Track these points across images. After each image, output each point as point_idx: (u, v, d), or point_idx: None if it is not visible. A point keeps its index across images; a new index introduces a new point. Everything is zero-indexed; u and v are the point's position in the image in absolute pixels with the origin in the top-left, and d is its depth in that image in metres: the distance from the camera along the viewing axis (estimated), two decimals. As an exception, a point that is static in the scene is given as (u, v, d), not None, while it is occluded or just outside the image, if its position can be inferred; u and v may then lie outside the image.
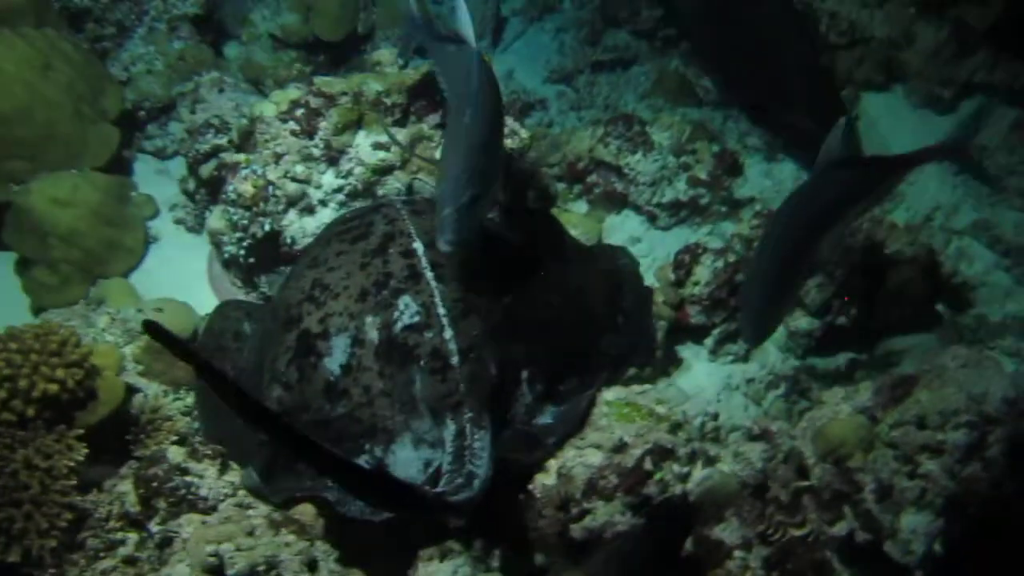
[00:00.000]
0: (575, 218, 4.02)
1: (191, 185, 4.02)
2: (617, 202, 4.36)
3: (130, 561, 2.56)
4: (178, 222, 4.11)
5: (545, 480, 2.82)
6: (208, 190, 3.88)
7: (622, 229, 4.35)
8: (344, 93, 3.69)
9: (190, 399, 3.35)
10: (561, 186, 4.46)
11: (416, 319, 2.72)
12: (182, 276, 3.91)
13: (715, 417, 3.16)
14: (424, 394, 2.67)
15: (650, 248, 4.27)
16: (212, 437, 3.02)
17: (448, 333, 2.71)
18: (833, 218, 3.06)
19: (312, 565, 2.39)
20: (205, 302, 3.78)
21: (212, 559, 2.22)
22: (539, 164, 4.40)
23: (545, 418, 2.92)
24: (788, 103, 4.50)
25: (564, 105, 5.25)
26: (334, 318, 2.80)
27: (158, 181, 4.25)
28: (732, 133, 5.00)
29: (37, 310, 3.76)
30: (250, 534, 2.36)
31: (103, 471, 2.84)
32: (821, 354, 3.86)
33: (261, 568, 2.26)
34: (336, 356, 2.76)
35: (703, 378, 3.72)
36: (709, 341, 3.78)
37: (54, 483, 2.57)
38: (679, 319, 3.74)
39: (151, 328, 1.96)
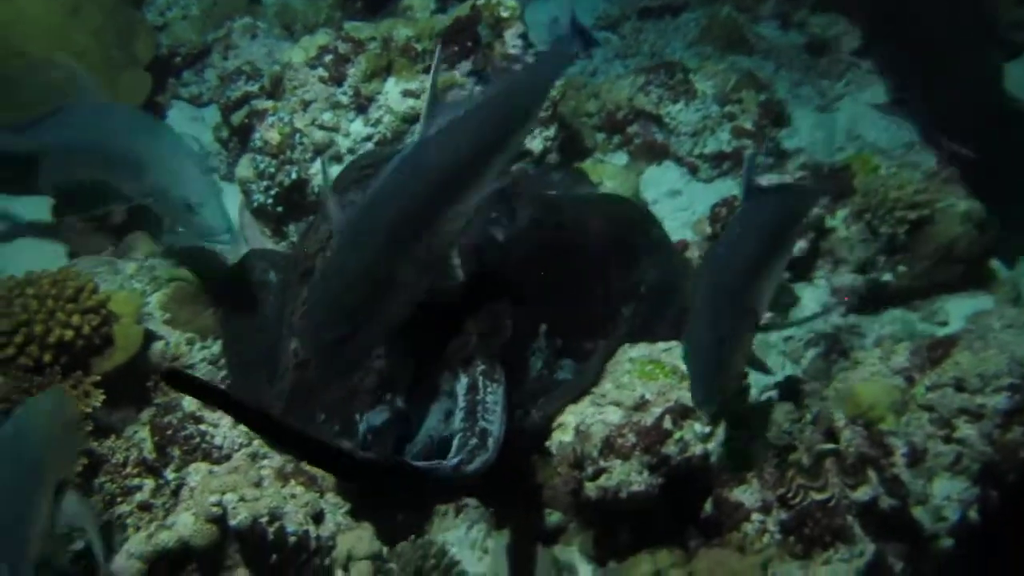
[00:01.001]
0: (610, 170, 3.90)
1: (224, 133, 4.00)
2: (657, 153, 4.23)
3: (145, 507, 2.57)
4: (210, 169, 4.10)
5: (562, 437, 2.76)
6: (239, 138, 3.86)
7: (662, 181, 4.22)
8: (373, 39, 3.62)
9: (215, 348, 3.36)
10: (600, 136, 4.34)
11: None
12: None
13: (744, 375, 3.04)
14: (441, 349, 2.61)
15: (690, 201, 4.14)
16: (238, 389, 3.02)
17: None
18: (766, 257, 2.54)
19: (318, 517, 2.36)
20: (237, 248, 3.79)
21: (215, 509, 2.20)
22: (576, 114, 4.29)
23: (563, 373, 2.84)
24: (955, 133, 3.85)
25: (609, 53, 5.10)
26: None
27: (193, 128, 4.24)
28: (783, 82, 4.82)
29: (71, 255, 3.79)
30: (256, 485, 2.35)
31: (123, 416, 2.86)
32: (865, 312, 3.71)
33: (264, 519, 2.24)
34: None
35: (738, 336, 3.60)
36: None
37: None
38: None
39: (170, 377, 1.90)
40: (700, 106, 4.15)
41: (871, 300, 3.68)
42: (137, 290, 3.29)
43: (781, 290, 3.66)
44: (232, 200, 3.92)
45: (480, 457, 2.47)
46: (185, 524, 2.20)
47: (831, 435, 2.75)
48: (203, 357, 3.27)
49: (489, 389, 2.56)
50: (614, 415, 2.74)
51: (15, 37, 3.74)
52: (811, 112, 4.70)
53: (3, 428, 2.01)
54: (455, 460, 2.43)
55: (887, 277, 3.64)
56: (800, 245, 3.63)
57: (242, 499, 2.25)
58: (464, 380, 2.58)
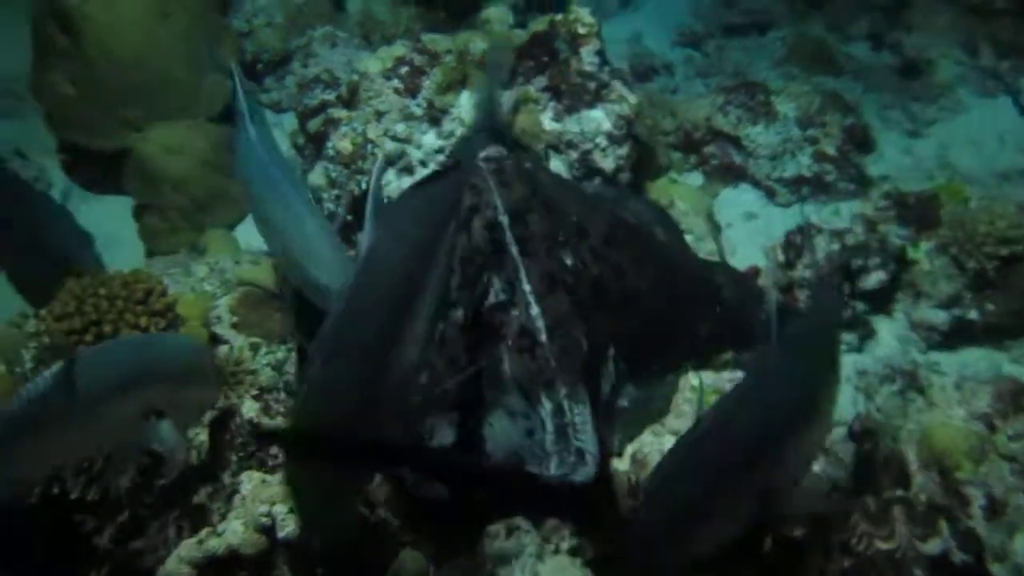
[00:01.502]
0: (683, 190, 3.82)
1: (300, 140, 4.04)
2: (734, 175, 4.14)
3: (200, 510, 2.59)
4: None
5: (618, 464, 2.69)
6: (314, 145, 3.88)
7: (737, 203, 4.13)
8: (449, 51, 3.61)
9: (280, 353, 3.39)
10: (676, 155, 4.26)
11: (501, 297, 2.62)
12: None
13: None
14: (514, 373, 2.58)
15: (766, 225, 4.03)
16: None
17: (534, 310, 2.60)
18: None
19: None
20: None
21: (265, 519, 2.21)
22: (653, 132, 4.22)
23: (625, 400, 2.78)
24: None
25: (691, 71, 5.03)
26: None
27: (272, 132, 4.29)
28: (872, 105, 4.68)
29: (149, 254, 3.89)
30: (307, 496, 2.34)
31: (186, 418, 2.88)
32: (947, 350, 3.56)
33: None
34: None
35: (809, 367, 3.48)
36: (819, 328, 3.53)
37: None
38: (787, 302, 3.51)
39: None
40: (781, 128, 4.04)
41: (955, 337, 3.53)
42: (207, 293, 3.34)
43: (857, 322, 3.55)
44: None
45: (583, 472, 2.44)
46: (235, 532, 2.21)
47: (902, 479, 2.63)
48: (267, 362, 3.28)
49: (576, 411, 2.52)
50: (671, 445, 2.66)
51: (112, 39, 3.85)
52: (900, 137, 4.55)
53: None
54: (560, 472, 2.42)
55: (973, 314, 3.48)
56: (880, 277, 3.51)
57: (291, 511, 2.24)
58: (548, 405, 2.53)
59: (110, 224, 3.95)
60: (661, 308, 2.85)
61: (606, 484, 2.64)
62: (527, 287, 2.61)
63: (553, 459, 2.37)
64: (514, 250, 2.67)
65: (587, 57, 3.57)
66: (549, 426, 2.46)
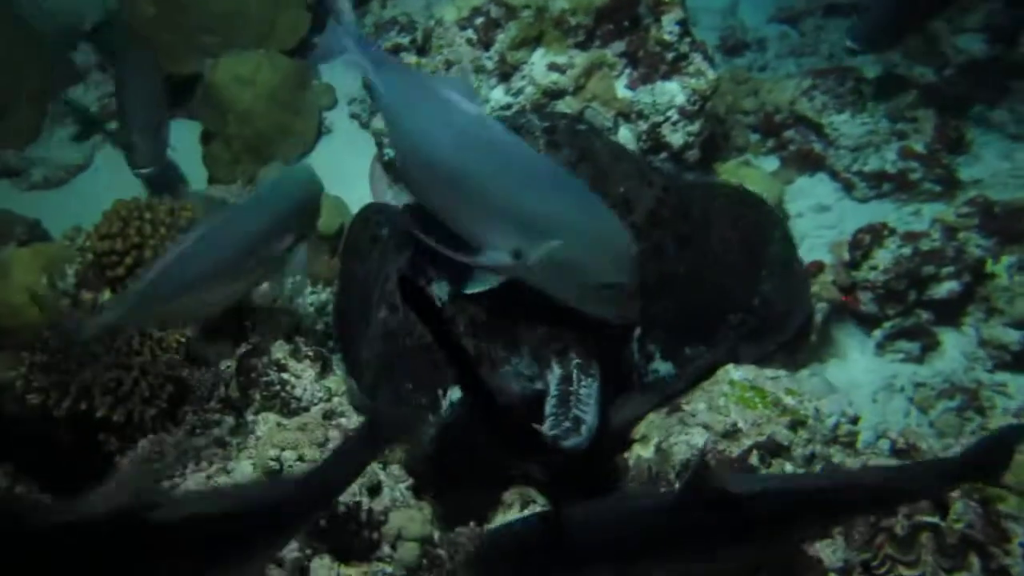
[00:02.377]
0: (754, 175, 3.66)
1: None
2: (812, 163, 3.95)
3: (221, 443, 2.60)
4: (353, 116, 4.12)
5: (642, 451, 2.61)
6: (386, 88, 3.83)
7: (811, 194, 3.94)
8: (527, 7, 3.50)
9: (324, 295, 3.39)
10: (754, 137, 4.09)
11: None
12: (347, 170, 3.92)
13: (854, 420, 2.80)
14: (527, 336, 2.51)
15: (839, 219, 3.84)
16: (337, 337, 3.02)
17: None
18: None
19: (375, 490, 2.32)
20: (364, 200, 3.80)
21: (273, 463, 2.20)
22: (732, 110, 4.05)
23: (657, 375, 2.70)
24: None
25: (783, 49, 4.80)
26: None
27: (344, 73, 4.26)
28: (974, 103, 4.40)
29: (210, 180, 3.91)
30: (320, 445, 2.33)
31: (218, 350, 2.90)
32: (1017, 371, 3.36)
33: (317, 482, 2.23)
34: (445, 282, 2.64)
35: (861, 373, 3.33)
36: (878, 333, 3.37)
37: (163, 354, 2.64)
38: (848, 303, 3.36)
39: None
40: (868, 119, 3.83)
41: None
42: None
43: (919, 331, 3.37)
44: (366, 150, 3.92)
45: (573, 439, 2.37)
46: (243, 472, 2.21)
47: (940, 505, 2.50)
48: (311, 302, 3.30)
49: (584, 383, 2.45)
50: (700, 438, 2.56)
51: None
52: (1000, 139, 4.28)
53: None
54: (550, 433, 2.35)
55: (1050, 339, 3.28)
56: (951, 287, 3.32)
57: (300, 458, 2.24)
58: (557, 371, 2.47)
59: (178, 147, 3.99)
60: (696, 294, 2.73)
61: (621, 468, 2.58)
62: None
63: (548, 420, 2.32)
64: None
65: (667, 26, 3.42)
66: (553, 390, 2.40)
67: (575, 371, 2.47)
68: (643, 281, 2.60)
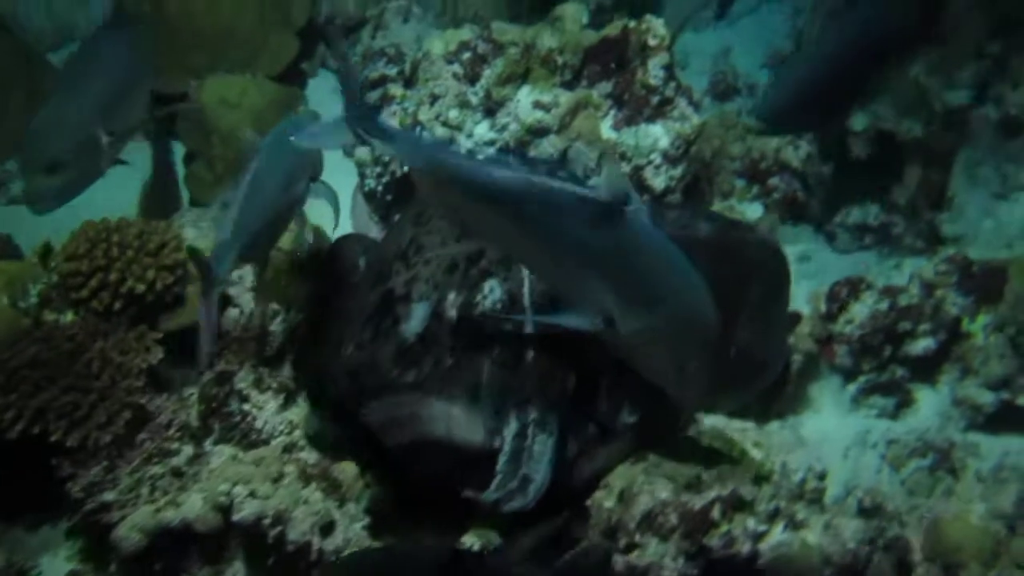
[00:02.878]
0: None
1: (359, 110, 3.98)
2: (796, 212, 3.94)
3: (178, 473, 2.56)
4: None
5: (604, 500, 2.57)
6: (370, 118, 3.83)
7: (794, 243, 3.92)
8: (515, 43, 3.50)
9: (297, 319, 3.34)
10: (740, 182, 4.08)
11: (498, 307, 2.52)
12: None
13: (821, 476, 2.76)
14: (489, 386, 2.48)
15: (819, 269, 3.83)
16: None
17: (528, 328, 2.49)
18: None
19: (327, 528, 2.28)
20: (344, 228, 3.78)
21: (223, 498, 2.16)
22: (719, 154, 4.05)
23: (628, 422, 2.66)
24: None
25: (775, 95, 4.81)
26: (419, 284, 2.65)
27: (331, 100, 4.25)
28: (961, 159, 4.40)
29: (192, 202, 3.88)
30: (275, 481, 2.29)
31: (185, 375, 2.87)
32: (989, 433, 3.33)
33: (267, 520, 2.18)
34: (413, 324, 2.62)
35: (834, 427, 3.30)
36: (853, 387, 3.34)
37: (123, 380, 2.60)
38: (824, 355, 3.34)
39: None
40: (852, 171, 3.83)
41: (1000, 422, 3.30)
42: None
43: (894, 386, 3.35)
44: (349, 179, 3.90)
45: (517, 502, 2.39)
46: (192, 507, 2.17)
47: (902, 567, 2.47)
48: (283, 329, 3.25)
49: (538, 439, 2.43)
50: (664, 489, 2.53)
51: (181, -19, 3.86)
52: (985, 197, 4.27)
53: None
54: (494, 496, 2.34)
55: (1023, 401, 3.25)
56: (927, 344, 3.30)
57: (252, 494, 2.20)
58: (514, 425, 2.45)
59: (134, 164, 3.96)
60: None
61: (581, 515, 2.54)
62: (527, 303, 2.50)
63: (496, 479, 2.29)
64: None
65: (653, 69, 3.42)
66: (507, 446, 2.39)
67: (532, 425, 2.45)
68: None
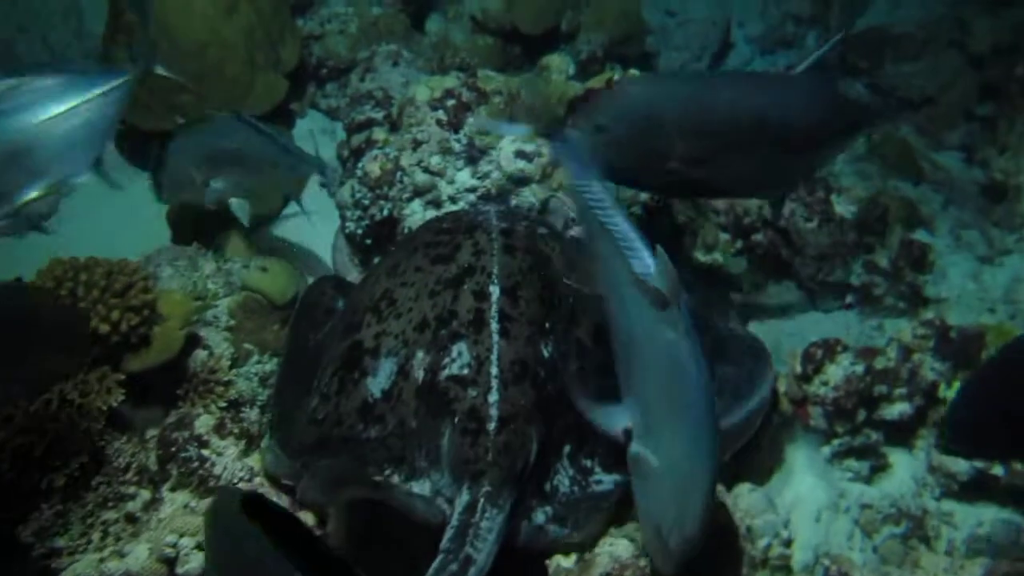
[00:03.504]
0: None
1: (345, 152, 3.99)
2: (778, 269, 3.92)
3: (131, 519, 2.52)
4: (323, 185, 4.10)
5: (562, 560, 2.53)
6: (354, 160, 3.83)
7: (776, 299, 3.92)
8: (499, 92, 3.51)
9: (270, 365, 3.32)
10: (724, 236, 4.07)
11: (464, 372, 2.49)
12: (310, 237, 3.91)
13: (787, 543, 2.73)
14: (449, 453, 2.45)
15: (799, 327, 3.82)
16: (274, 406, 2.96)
17: (493, 396, 2.45)
18: None
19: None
20: (323, 269, 3.78)
21: (169, 550, 2.12)
22: (703, 207, 4.04)
23: (600, 487, 2.60)
24: None
25: (762, 150, 4.82)
26: (388, 339, 2.64)
27: (320, 141, 4.24)
28: (947, 221, 4.42)
29: (173, 239, 3.86)
30: (225, 531, 2.24)
31: (147, 416, 2.84)
32: (964, 501, 3.28)
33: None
34: (380, 379, 2.60)
35: (807, 489, 3.25)
36: (827, 450, 3.30)
37: (82, 422, 2.57)
38: (798, 416, 3.30)
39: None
40: (835, 230, 3.82)
41: (975, 491, 3.25)
42: (208, 291, 3.31)
43: (869, 450, 3.30)
44: (331, 221, 3.89)
45: None
46: (137, 558, 2.14)
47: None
48: (256, 372, 3.22)
49: (487, 515, 2.34)
50: (625, 550, 2.49)
51: (175, 22, 3.88)
52: (970, 260, 4.27)
53: None
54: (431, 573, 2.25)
55: (998, 470, 3.20)
56: (903, 409, 3.26)
57: (199, 547, 2.15)
58: (465, 497, 2.38)
59: (144, 202, 3.96)
60: None
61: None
62: (494, 370, 2.47)
63: (438, 558, 2.23)
64: (495, 327, 2.54)
65: (635, 123, 3.42)
66: (454, 520, 2.32)
67: (482, 500, 2.36)
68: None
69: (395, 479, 2.48)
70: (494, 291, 2.59)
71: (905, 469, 3.34)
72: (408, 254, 2.84)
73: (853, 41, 5.24)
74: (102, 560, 2.15)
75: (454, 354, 2.51)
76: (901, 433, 3.32)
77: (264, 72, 3.99)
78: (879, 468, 3.33)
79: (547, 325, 2.58)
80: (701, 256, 3.99)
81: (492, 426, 2.42)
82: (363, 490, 2.46)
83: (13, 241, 3.93)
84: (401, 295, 2.70)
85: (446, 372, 2.49)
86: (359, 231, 3.53)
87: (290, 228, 4.00)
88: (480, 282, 2.60)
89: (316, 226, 3.97)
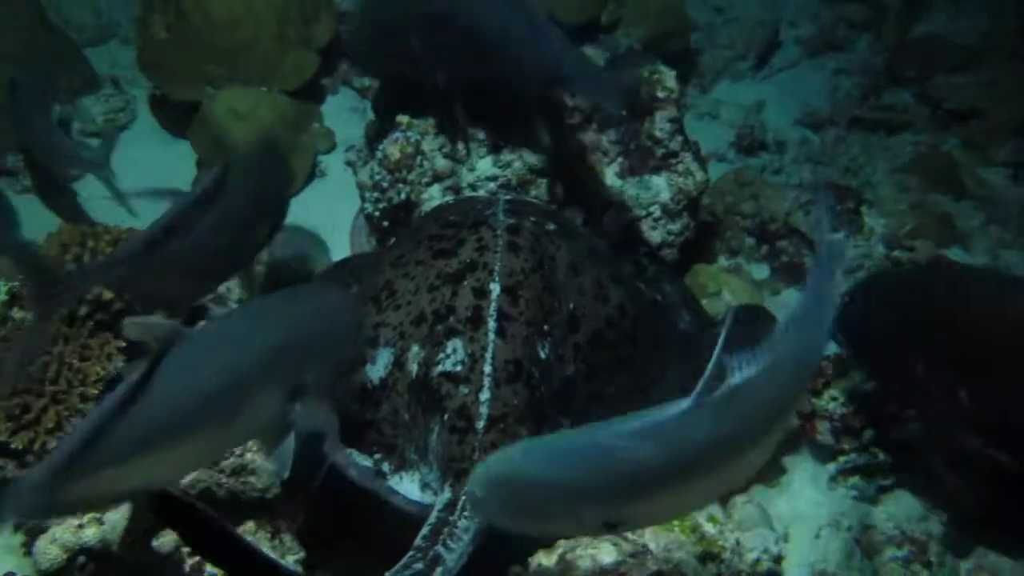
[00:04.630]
0: (734, 283, 3.57)
1: (371, 132, 3.99)
2: (801, 277, 3.84)
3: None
4: (348, 163, 4.10)
5: (544, 560, 2.50)
6: (378, 141, 3.82)
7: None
8: (526, 82, 3.47)
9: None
10: (749, 241, 4.00)
11: (458, 368, 2.47)
12: (332, 216, 3.90)
13: (777, 559, 2.67)
14: (436, 449, 2.44)
15: (817, 340, 3.72)
16: None
17: (484, 395, 2.43)
18: None
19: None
20: (343, 248, 3.78)
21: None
22: (730, 211, 3.97)
23: None
24: None
25: (801, 154, 4.71)
26: (386, 329, 2.63)
27: (349, 119, 4.27)
28: (986, 239, 4.27)
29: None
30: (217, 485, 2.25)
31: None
32: (970, 531, 3.18)
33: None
34: (377, 368, 2.61)
35: (808, 505, 3.17)
36: (832, 466, 3.22)
37: (79, 386, 2.60)
38: (805, 430, 3.23)
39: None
40: (862, 242, 3.73)
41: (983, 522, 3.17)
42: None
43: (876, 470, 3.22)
44: (352, 202, 3.88)
45: None
46: (114, 526, 2.15)
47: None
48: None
49: (466, 514, 2.31)
50: (608, 555, 2.46)
51: (209, -2, 3.90)
52: (1016, 274, 4.14)
53: None
54: (396, 570, 2.21)
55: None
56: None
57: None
58: (446, 495, 2.37)
59: (174, 170, 4.00)
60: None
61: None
62: (487, 369, 2.44)
63: (407, 556, 2.20)
64: (492, 326, 2.51)
65: (660, 122, 3.38)
66: (432, 518, 2.29)
67: (463, 499, 2.33)
68: (569, 404, 2.53)
69: (384, 467, 2.48)
70: (494, 289, 2.56)
71: (916, 492, 3.25)
72: (414, 246, 2.83)
73: (904, 48, 5.09)
74: (80, 527, 2.17)
75: (449, 350, 2.50)
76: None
77: (295, 48, 3.99)
78: (885, 489, 3.25)
79: (546, 327, 2.55)
80: (724, 261, 3.93)
81: (481, 425, 2.40)
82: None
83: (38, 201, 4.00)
84: (401, 287, 2.70)
85: (439, 368, 2.48)
86: (376, 213, 3.53)
87: (314, 203, 4.00)
88: (481, 279, 2.58)
89: (340, 203, 3.98)
